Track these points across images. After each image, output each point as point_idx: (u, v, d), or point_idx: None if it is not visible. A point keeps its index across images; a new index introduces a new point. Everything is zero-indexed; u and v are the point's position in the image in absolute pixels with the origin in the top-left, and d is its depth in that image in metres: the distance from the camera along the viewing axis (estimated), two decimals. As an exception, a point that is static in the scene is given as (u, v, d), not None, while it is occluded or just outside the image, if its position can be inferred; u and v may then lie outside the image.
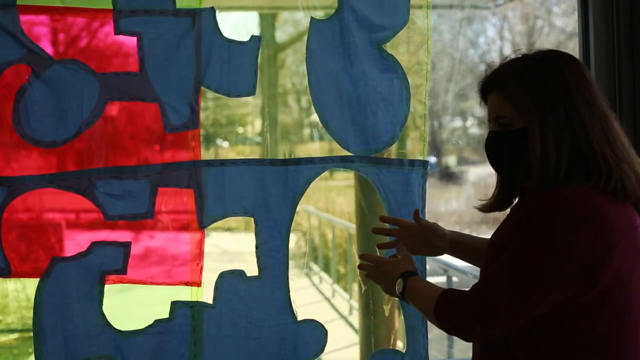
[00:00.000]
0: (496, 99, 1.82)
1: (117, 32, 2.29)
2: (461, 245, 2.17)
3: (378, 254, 2.29)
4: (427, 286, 1.93)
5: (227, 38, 2.33)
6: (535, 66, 1.78)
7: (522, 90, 1.76)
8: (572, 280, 1.64)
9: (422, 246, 2.22)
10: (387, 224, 2.31)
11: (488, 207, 1.97)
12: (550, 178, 1.71)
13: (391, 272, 2.05)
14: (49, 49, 2.30)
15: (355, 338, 7.35)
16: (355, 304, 8.03)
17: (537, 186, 1.73)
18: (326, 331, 2.41)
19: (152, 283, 2.38)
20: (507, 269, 1.69)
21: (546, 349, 1.69)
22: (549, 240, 1.65)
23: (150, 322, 2.34)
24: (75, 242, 2.36)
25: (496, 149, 1.84)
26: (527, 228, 1.69)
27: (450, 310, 1.77)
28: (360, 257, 2.22)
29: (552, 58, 1.80)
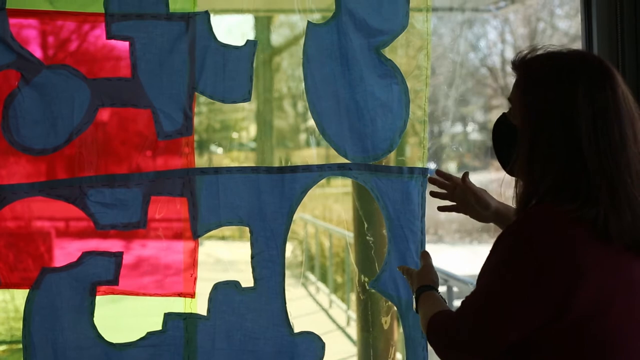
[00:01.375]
0: (515, 82, 1.79)
1: (109, 36, 2.30)
2: (505, 219, 2.16)
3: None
4: (430, 305, 1.91)
5: (221, 42, 2.34)
6: (556, 72, 1.70)
7: (530, 91, 1.72)
8: (537, 309, 1.61)
9: (467, 209, 2.24)
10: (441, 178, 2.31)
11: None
12: (531, 192, 1.70)
13: (412, 285, 2.10)
14: (38, 52, 2.31)
15: (353, 350, 7.33)
16: (353, 314, 8.01)
17: (519, 201, 1.73)
18: (323, 343, 2.41)
19: (144, 294, 2.38)
20: (479, 295, 1.69)
21: None
22: (517, 264, 1.63)
23: (143, 334, 2.34)
24: (65, 252, 2.36)
25: (496, 132, 1.86)
26: (499, 251, 1.68)
27: (433, 337, 1.79)
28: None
29: (579, 68, 1.69)
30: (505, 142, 1.82)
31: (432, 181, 2.32)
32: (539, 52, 1.77)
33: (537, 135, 1.68)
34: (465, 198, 2.23)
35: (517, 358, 1.66)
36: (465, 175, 2.24)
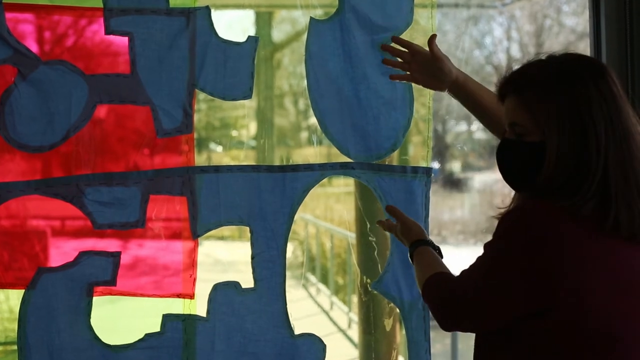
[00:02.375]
0: (513, 104, 1.78)
1: (108, 32, 2.30)
2: (463, 89, 2.22)
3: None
4: (427, 264, 1.98)
5: (222, 38, 2.34)
6: (558, 73, 1.73)
7: (541, 101, 1.72)
8: (517, 296, 1.67)
9: (427, 76, 2.25)
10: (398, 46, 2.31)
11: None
12: (546, 191, 1.72)
13: (402, 240, 2.17)
14: (34, 47, 2.31)
15: (355, 353, 7.33)
16: (355, 317, 8.01)
17: (530, 195, 1.77)
18: (324, 346, 2.41)
19: (142, 295, 2.38)
20: (472, 269, 1.78)
21: None
22: (498, 254, 1.72)
23: (141, 336, 2.34)
24: (61, 251, 2.36)
25: (508, 158, 1.82)
26: (497, 234, 1.75)
27: (428, 297, 1.85)
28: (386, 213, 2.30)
29: (577, 66, 1.74)
30: (521, 165, 1.79)
31: (387, 49, 2.30)
32: (530, 62, 1.79)
33: (563, 141, 1.69)
34: (427, 65, 2.23)
35: (511, 342, 1.72)
36: (433, 38, 2.23)
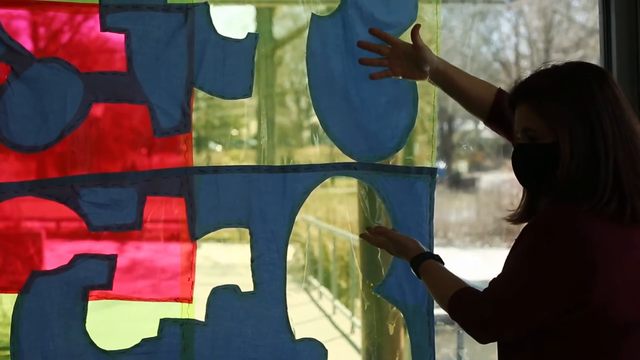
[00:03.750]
0: (525, 111, 1.91)
1: (104, 28, 2.30)
2: (443, 76, 2.28)
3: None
4: (441, 278, 2.06)
5: (221, 35, 2.34)
6: (564, 79, 1.87)
7: (551, 104, 1.86)
8: (557, 296, 1.79)
9: (408, 67, 2.29)
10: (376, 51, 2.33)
11: (517, 218, 2.04)
12: (566, 193, 1.84)
13: (399, 255, 2.21)
14: (28, 44, 2.31)
15: (358, 358, 7.34)
16: (358, 321, 8.01)
17: (552, 200, 1.88)
18: (326, 351, 2.42)
19: (139, 299, 2.38)
20: (506, 276, 1.88)
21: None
22: (536, 258, 1.81)
23: (137, 341, 2.35)
24: (56, 254, 2.37)
25: (525, 162, 1.94)
26: (524, 240, 1.86)
27: (459, 314, 1.94)
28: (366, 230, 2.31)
29: (581, 71, 1.88)
30: (537, 167, 1.91)
31: (363, 45, 2.33)
32: (536, 72, 1.94)
33: (575, 139, 1.83)
34: (408, 56, 2.28)
35: (540, 342, 1.84)
36: (417, 28, 2.26)
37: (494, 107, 2.24)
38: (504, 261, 1.93)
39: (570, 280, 1.77)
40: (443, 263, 2.14)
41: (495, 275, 1.91)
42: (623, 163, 1.81)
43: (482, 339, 1.90)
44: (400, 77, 2.32)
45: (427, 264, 2.11)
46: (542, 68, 1.95)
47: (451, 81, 2.28)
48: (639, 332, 1.83)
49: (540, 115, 1.87)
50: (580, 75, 1.87)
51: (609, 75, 1.91)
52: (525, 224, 1.93)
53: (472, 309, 1.89)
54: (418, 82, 2.43)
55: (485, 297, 1.88)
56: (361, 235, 2.31)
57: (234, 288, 2.38)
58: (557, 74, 1.90)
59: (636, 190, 1.81)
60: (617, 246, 1.80)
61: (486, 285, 1.94)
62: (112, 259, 2.33)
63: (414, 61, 2.27)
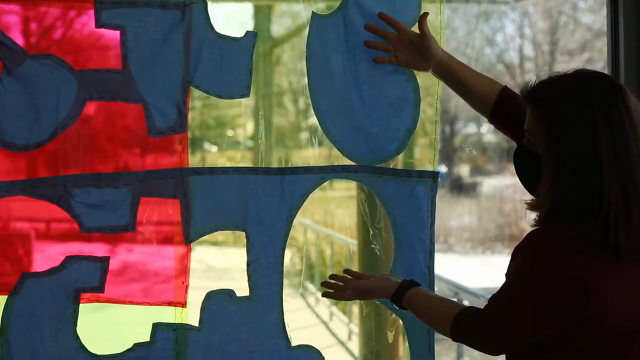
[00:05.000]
0: (530, 113, 1.95)
1: (99, 25, 2.30)
2: (447, 68, 2.31)
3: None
4: (430, 302, 2.15)
5: (219, 33, 2.35)
6: (570, 95, 1.87)
7: (549, 118, 1.88)
8: (546, 325, 1.85)
9: (412, 56, 2.33)
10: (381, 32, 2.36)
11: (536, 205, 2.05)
12: (555, 214, 1.88)
13: (381, 285, 2.24)
14: (19, 39, 2.31)
15: (355, 366, 7.34)
16: (355, 328, 8.02)
17: (538, 219, 1.93)
18: (323, 358, 2.42)
19: (131, 302, 2.38)
20: (504, 295, 1.93)
21: None
22: (523, 283, 1.88)
23: (129, 345, 2.35)
24: (45, 255, 2.37)
25: (518, 164, 2.03)
26: (514, 261, 1.92)
27: (469, 333, 2.00)
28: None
29: (590, 89, 1.88)
30: (529, 171, 1.98)
31: (372, 29, 2.35)
32: (546, 78, 1.96)
33: (560, 162, 1.85)
34: (413, 45, 2.32)
35: (544, 354, 1.90)
36: (425, 17, 2.32)
37: (497, 104, 2.27)
38: (505, 272, 1.98)
39: (564, 303, 1.82)
40: (420, 285, 2.21)
41: (497, 290, 1.96)
42: (614, 192, 1.81)
43: (493, 354, 1.99)
44: (404, 66, 2.35)
45: (410, 295, 2.17)
46: (562, 73, 1.95)
47: (455, 74, 2.31)
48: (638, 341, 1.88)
49: (539, 123, 1.90)
50: (586, 92, 1.86)
51: (623, 91, 1.88)
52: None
53: (477, 328, 1.97)
54: (420, 84, 2.43)
55: (486, 314, 1.95)
56: (324, 295, 2.36)
57: (229, 292, 2.38)
58: (566, 84, 1.90)
59: (622, 222, 1.81)
60: (606, 273, 1.82)
61: (486, 293, 1.98)
62: (105, 261, 2.34)
63: (419, 50, 2.31)
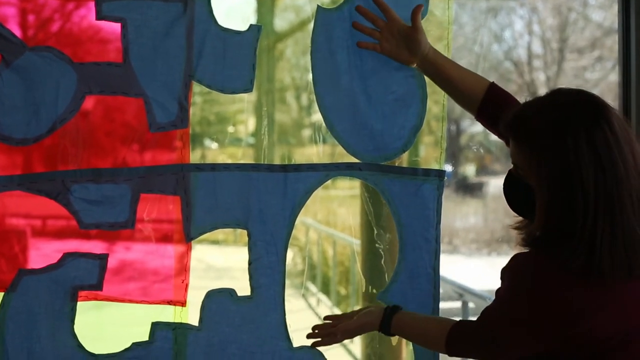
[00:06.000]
0: (513, 147, 1.98)
1: (100, 17, 2.30)
2: (433, 63, 2.33)
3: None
4: (418, 323, 2.24)
5: (222, 27, 2.35)
6: (552, 124, 1.88)
7: (534, 153, 1.90)
8: (529, 342, 1.91)
9: (400, 48, 2.35)
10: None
11: (522, 226, 2.08)
12: (540, 237, 1.94)
13: (368, 315, 2.29)
14: (17, 32, 2.31)
15: (357, 368, 7.34)
16: (358, 330, 8.01)
17: (526, 241, 1.98)
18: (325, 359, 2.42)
19: (130, 301, 2.39)
20: (489, 314, 2.00)
21: None
22: (508, 307, 1.95)
23: (128, 345, 2.35)
24: (41, 253, 2.37)
25: (509, 193, 2.07)
26: (502, 283, 1.98)
27: (463, 345, 2.09)
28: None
29: (573, 115, 1.87)
30: (521, 198, 2.01)
31: (361, 11, 2.35)
32: (523, 109, 1.97)
33: (552, 193, 1.87)
34: (402, 36, 2.33)
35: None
36: (419, 8, 2.32)
37: (484, 101, 2.28)
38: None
39: (546, 330, 1.88)
40: (401, 309, 2.26)
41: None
42: (602, 221, 1.83)
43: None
44: (387, 55, 2.36)
45: (396, 322, 2.22)
46: (538, 99, 1.97)
47: (440, 69, 2.32)
48: (631, 345, 1.90)
49: (525, 158, 1.93)
50: (568, 120, 1.86)
51: (605, 111, 1.88)
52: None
53: (470, 342, 2.05)
54: (427, 81, 2.43)
55: (475, 329, 2.04)
56: (314, 345, 2.38)
57: (230, 292, 2.38)
58: (548, 112, 1.90)
59: (607, 247, 1.83)
60: (588, 297, 1.85)
61: (492, 295, 2.04)
62: (103, 258, 2.34)
63: (407, 42, 2.32)
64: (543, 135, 1.87)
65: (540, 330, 1.88)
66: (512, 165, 2.03)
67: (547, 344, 1.89)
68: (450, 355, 2.11)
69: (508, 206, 2.08)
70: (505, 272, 1.96)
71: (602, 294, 1.86)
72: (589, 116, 1.86)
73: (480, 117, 2.31)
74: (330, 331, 2.32)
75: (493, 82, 2.30)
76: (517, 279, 1.93)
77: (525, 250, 1.96)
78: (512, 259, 1.96)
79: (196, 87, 2.37)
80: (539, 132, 1.88)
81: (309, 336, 2.36)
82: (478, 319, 2.03)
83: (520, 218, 2.09)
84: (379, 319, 2.24)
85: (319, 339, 2.35)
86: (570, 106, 1.89)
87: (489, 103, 2.27)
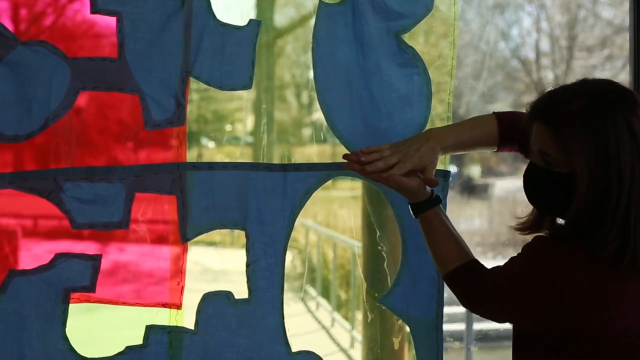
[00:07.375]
0: (545, 133, 1.94)
1: (94, 10, 2.30)
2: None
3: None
4: (455, 239, 2.19)
5: (221, 22, 2.35)
6: (591, 107, 1.88)
7: (573, 135, 1.88)
8: (543, 325, 1.93)
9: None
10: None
11: (525, 228, 2.12)
12: (569, 228, 1.95)
13: (418, 181, 2.17)
14: (9, 26, 2.30)
15: (357, 375, 7.35)
16: (358, 335, 8.01)
17: (552, 231, 2.00)
18: (325, 366, 2.43)
19: (124, 303, 2.39)
20: (498, 274, 2.04)
21: None
22: (512, 281, 1.98)
23: (121, 348, 2.35)
24: (32, 254, 2.37)
25: (537, 186, 2.01)
26: (519, 255, 2.00)
27: (457, 288, 2.14)
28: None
29: (609, 100, 1.89)
30: (550, 194, 1.98)
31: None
32: (554, 94, 1.97)
33: (592, 177, 1.86)
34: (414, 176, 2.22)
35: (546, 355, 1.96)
36: (430, 169, 2.19)
37: (501, 136, 2.25)
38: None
39: (553, 319, 1.90)
40: (441, 202, 2.21)
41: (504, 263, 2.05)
42: (636, 208, 1.84)
43: (470, 309, 2.16)
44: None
45: (432, 215, 2.17)
46: (568, 86, 1.97)
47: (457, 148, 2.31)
48: None
49: (560, 143, 1.91)
50: (606, 104, 1.88)
51: (637, 96, 1.92)
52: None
53: (474, 286, 2.09)
54: (432, 79, 2.43)
55: (482, 283, 2.07)
56: (347, 166, 2.16)
57: (227, 295, 2.38)
58: (584, 97, 1.90)
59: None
60: (612, 291, 1.87)
61: None
62: (96, 259, 2.34)
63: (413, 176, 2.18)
64: (583, 120, 1.87)
65: (529, 307, 1.93)
66: (521, 164, 2.04)
67: (537, 323, 1.93)
68: (446, 283, 2.18)
69: (527, 199, 2.06)
70: (525, 250, 1.98)
71: (622, 287, 1.87)
72: (625, 103, 1.89)
73: (501, 149, 2.29)
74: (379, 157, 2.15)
75: (494, 112, 2.27)
76: (535, 259, 1.94)
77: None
78: (534, 238, 1.98)
79: (193, 84, 2.37)
80: (579, 117, 1.88)
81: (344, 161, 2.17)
82: (487, 273, 2.08)
83: (523, 220, 2.11)
84: (421, 197, 2.15)
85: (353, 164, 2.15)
86: (606, 93, 1.91)
87: (505, 135, 2.25)
